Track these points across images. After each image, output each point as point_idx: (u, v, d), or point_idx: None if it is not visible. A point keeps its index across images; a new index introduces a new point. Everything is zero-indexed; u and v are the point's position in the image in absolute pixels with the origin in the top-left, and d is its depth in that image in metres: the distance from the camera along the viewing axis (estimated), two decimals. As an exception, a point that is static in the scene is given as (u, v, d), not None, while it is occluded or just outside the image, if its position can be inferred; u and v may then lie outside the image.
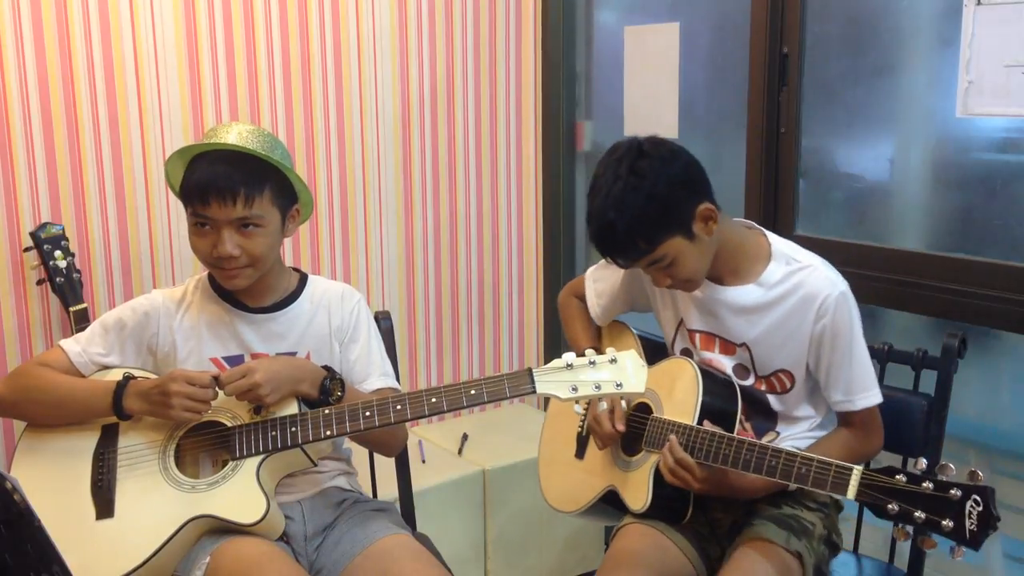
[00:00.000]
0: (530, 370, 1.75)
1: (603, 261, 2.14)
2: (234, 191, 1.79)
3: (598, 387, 1.73)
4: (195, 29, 2.58)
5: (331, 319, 1.98)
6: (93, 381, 1.88)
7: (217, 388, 1.81)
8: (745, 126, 2.55)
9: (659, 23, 2.86)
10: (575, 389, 1.73)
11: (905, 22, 2.31)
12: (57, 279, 2.32)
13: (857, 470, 1.55)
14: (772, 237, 1.91)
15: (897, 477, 1.50)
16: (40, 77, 2.39)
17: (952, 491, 1.46)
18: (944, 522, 1.46)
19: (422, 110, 3.00)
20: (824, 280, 1.83)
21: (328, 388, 1.85)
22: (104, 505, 1.80)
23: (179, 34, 2.56)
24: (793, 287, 1.84)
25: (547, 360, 1.79)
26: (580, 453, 2.11)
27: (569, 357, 1.75)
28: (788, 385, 1.91)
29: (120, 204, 2.54)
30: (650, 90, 2.91)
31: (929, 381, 1.99)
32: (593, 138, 3.22)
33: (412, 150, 3.00)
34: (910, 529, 1.52)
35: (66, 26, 2.41)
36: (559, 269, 3.32)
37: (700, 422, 1.81)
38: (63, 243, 2.35)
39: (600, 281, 2.15)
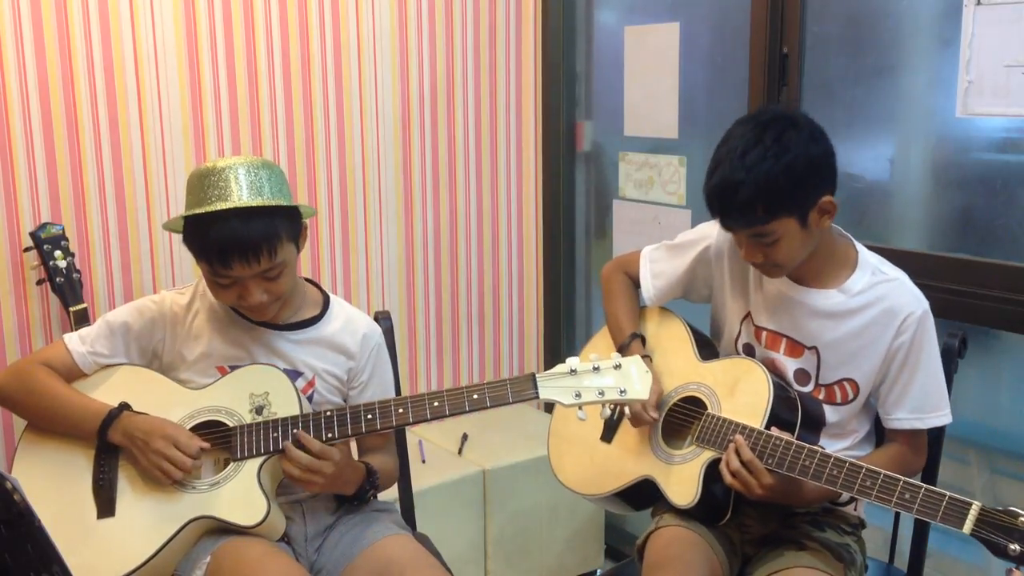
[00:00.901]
0: (533, 375, 1.75)
1: (666, 243, 2.09)
2: (257, 250, 1.74)
3: (602, 393, 1.73)
4: (195, 29, 2.58)
5: (347, 360, 1.96)
6: (87, 401, 1.85)
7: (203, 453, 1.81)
8: (745, 126, 2.55)
9: (659, 23, 2.86)
10: (579, 395, 1.73)
11: (905, 22, 2.31)
12: (57, 279, 2.32)
13: (976, 505, 1.51)
14: (860, 247, 1.88)
15: (1021, 520, 1.47)
16: (40, 77, 2.39)
17: None
18: None
19: (422, 110, 3.00)
20: (910, 296, 1.81)
21: (365, 491, 1.92)
22: (105, 504, 1.80)
23: (179, 34, 2.56)
24: (877, 298, 1.81)
25: (547, 361, 1.79)
26: (608, 436, 2.05)
27: (573, 362, 1.75)
28: (850, 396, 1.86)
29: (120, 204, 2.54)
30: (650, 90, 2.91)
31: (929, 381, 1.99)
32: (593, 138, 3.22)
33: (412, 150, 3.00)
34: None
35: (66, 26, 2.41)
36: (559, 269, 3.32)
37: (767, 428, 1.77)
38: (63, 243, 2.35)
39: (659, 262, 2.08)
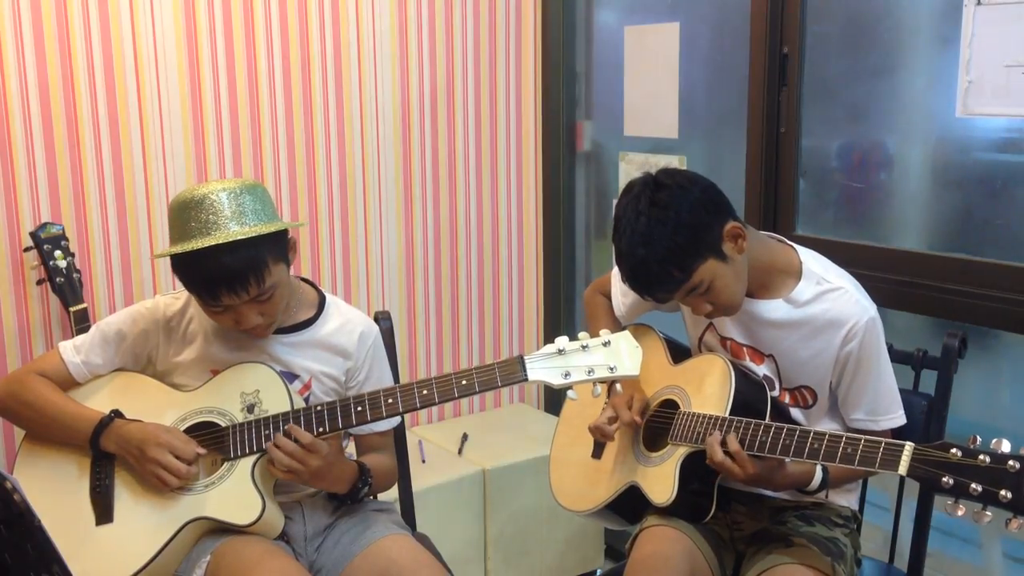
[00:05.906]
0: (521, 357, 1.72)
1: None
2: (244, 282, 1.71)
3: (591, 372, 1.71)
4: (195, 29, 2.58)
5: (344, 361, 1.94)
6: (80, 410, 1.85)
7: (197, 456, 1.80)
8: (745, 126, 2.55)
9: (659, 23, 2.86)
10: (567, 375, 1.71)
11: (905, 22, 2.31)
12: (57, 279, 2.32)
13: (909, 446, 1.54)
14: (802, 252, 1.91)
15: (952, 451, 1.49)
16: (40, 77, 2.39)
17: (1010, 463, 1.44)
18: (1002, 493, 1.43)
19: (422, 110, 3.00)
20: (854, 305, 1.84)
21: (358, 489, 1.89)
22: (103, 511, 1.80)
23: (179, 34, 2.57)
24: (822, 309, 1.84)
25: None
26: (597, 453, 2.08)
27: (561, 342, 1.73)
28: (810, 401, 1.92)
29: (120, 204, 2.55)
30: (650, 90, 2.91)
31: (929, 381, 1.99)
32: (593, 138, 3.22)
33: (412, 150, 3.00)
34: (962, 504, 1.50)
35: (66, 26, 2.41)
36: (559, 269, 3.32)
37: (736, 413, 1.80)
38: (63, 243, 2.35)
39: None
